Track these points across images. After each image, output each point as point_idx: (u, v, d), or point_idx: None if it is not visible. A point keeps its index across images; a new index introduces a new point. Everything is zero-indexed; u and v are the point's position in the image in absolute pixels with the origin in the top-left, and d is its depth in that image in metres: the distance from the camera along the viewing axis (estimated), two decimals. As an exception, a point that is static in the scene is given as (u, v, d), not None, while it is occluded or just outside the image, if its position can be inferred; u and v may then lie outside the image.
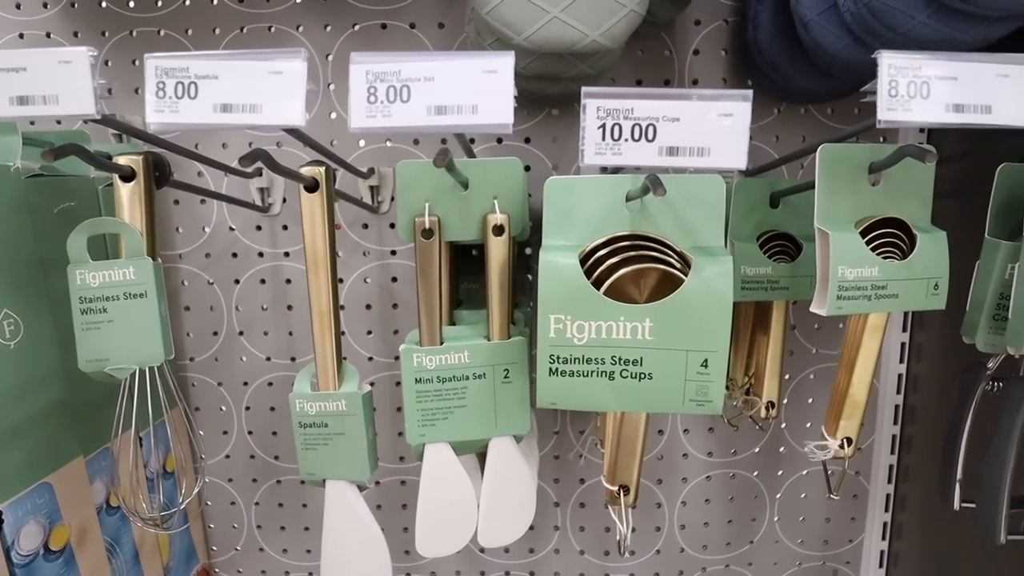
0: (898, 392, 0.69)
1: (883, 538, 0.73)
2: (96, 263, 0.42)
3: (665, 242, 0.39)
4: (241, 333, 0.68)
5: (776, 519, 0.74)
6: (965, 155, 0.49)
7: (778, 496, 0.73)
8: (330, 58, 0.63)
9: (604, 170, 0.44)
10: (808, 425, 0.71)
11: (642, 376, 0.38)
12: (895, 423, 0.70)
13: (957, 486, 0.53)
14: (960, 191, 0.58)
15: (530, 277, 0.61)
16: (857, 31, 0.45)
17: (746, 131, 0.34)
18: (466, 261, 0.58)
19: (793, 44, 0.53)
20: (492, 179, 0.45)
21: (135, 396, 0.43)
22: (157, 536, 0.63)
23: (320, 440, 0.46)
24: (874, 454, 0.71)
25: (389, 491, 0.72)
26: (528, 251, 0.62)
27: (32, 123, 0.60)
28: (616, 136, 0.34)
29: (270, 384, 0.69)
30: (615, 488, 0.46)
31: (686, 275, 0.37)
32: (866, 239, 0.42)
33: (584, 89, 0.34)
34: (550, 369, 0.38)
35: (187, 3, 0.62)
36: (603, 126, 0.34)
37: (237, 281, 0.67)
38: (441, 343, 0.46)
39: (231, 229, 0.66)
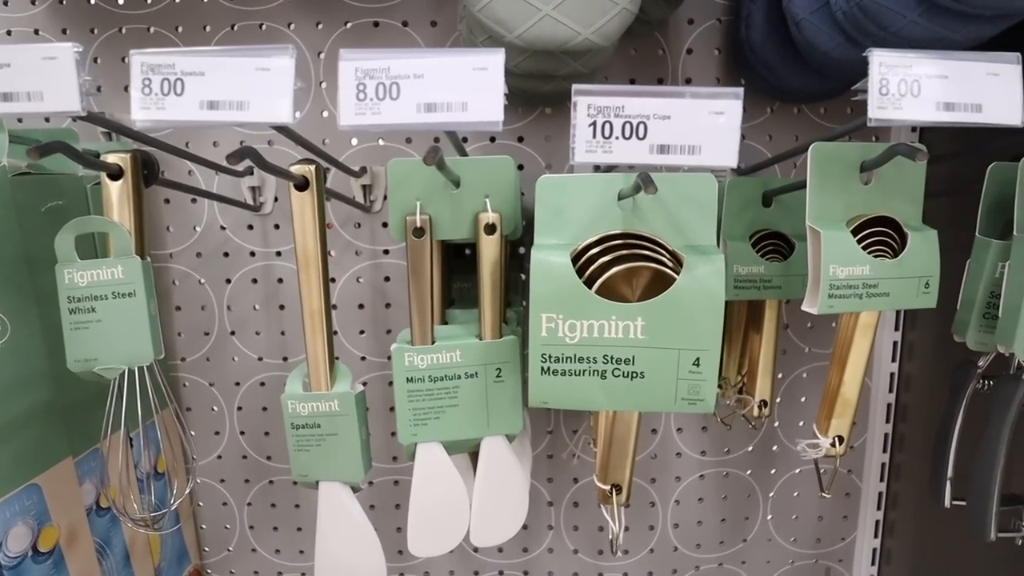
0: (890, 391, 0.70)
1: (875, 536, 0.73)
2: (84, 262, 0.42)
3: (657, 241, 0.39)
4: (233, 333, 0.68)
5: (769, 517, 0.74)
6: (956, 154, 0.50)
7: (771, 495, 0.73)
8: (322, 56, 0.62)
9: (597, 169, 0.44)
10: (801, 424, 0.71)
11: (634, 375, 0.38)
12: (887, 421, 0.70)
13: (948, 484, 0.54)
14: (951, 190, 0.58)
15: (523, 276, 0.61)
16: (849, 30, 0.45)
17: (737, 129, 0.34)
18: (458, 260, 0.58)
19: (786, 43, 0.53)
20: (484, 178, 0.45)
21: (124, 396, 0.42)
22: (148, 537, 0.62)
23: (313, 441, 0.46)
24: (866, 452, 0.72)
25: (382, 491, 0.72)
26: (521, 250, 0.62)
27: (20, 120, 0.60)
28: (607, 134, 0.34)
29: (262, 384, 0.69)
30: (607, 487, 0.46)
31: (678, 274, 0.37)
32: (857, 238, 0.43)
33: (575, 87, 0.34)
34: (542, 368, 0.38)
35: (177, 0, 0.61)
36: (594, 124, 0.34)
37: (228, 280, 0.67)
38: (433, 342, 0.46)
39: (222, 228, 0.65)
